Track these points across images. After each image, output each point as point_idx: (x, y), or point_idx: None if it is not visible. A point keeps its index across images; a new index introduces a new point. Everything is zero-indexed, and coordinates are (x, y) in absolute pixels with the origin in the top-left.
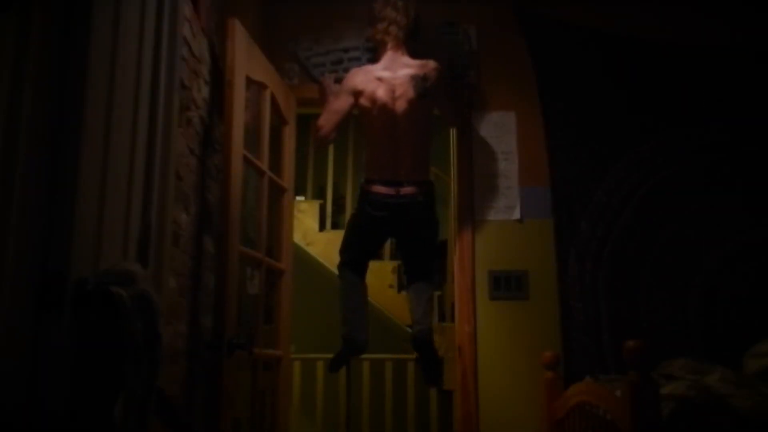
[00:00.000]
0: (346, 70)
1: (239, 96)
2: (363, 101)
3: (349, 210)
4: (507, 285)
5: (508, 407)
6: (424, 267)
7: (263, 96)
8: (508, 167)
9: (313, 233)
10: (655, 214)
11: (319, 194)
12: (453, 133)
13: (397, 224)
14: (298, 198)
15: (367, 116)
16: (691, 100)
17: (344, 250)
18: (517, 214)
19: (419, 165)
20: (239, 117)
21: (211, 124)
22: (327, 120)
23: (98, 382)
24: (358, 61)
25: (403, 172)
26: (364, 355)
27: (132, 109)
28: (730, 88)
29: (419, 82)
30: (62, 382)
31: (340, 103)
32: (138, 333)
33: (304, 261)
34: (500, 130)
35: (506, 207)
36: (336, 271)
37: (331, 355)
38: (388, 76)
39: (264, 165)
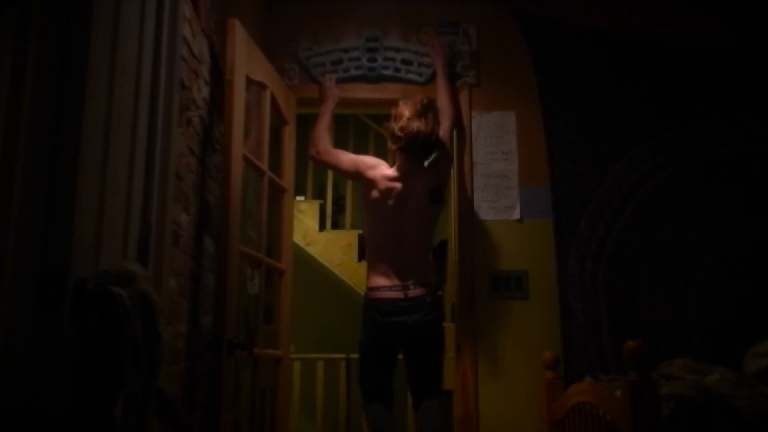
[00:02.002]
0: (346, 70)
1: (239, 96)
2: (371, 202)
3: (349, 210)
4: (507, 285)
5: (508, 407)
6: (434, 376)
7: (263, 96)
8: (508, 167)
9: (313, 233)
10: (655, 214)
11: (319, 194)
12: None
13: (409, 330)
14: (298, 198)
15: (372, 219)
16: (691, 100)
17: (363, 379)
18: (517, 214)
19: (424, 266)
20: (239, 117)
21: (211, 124)
22: (327, 155)
23: (98, 382)
24: (357, 61)
25: (410, 275)
26: None
27: (132, 109)
28: (730, 88)
29: (434, 194)
30: (62, 382)
31: (347, 163)
32: (138, 333)
33: (304, 261)
34: (500, 130)
35: (506, 207)
36: (334, 271)
37: (331, 355)
38: (401, 187)
39: (264, 165)
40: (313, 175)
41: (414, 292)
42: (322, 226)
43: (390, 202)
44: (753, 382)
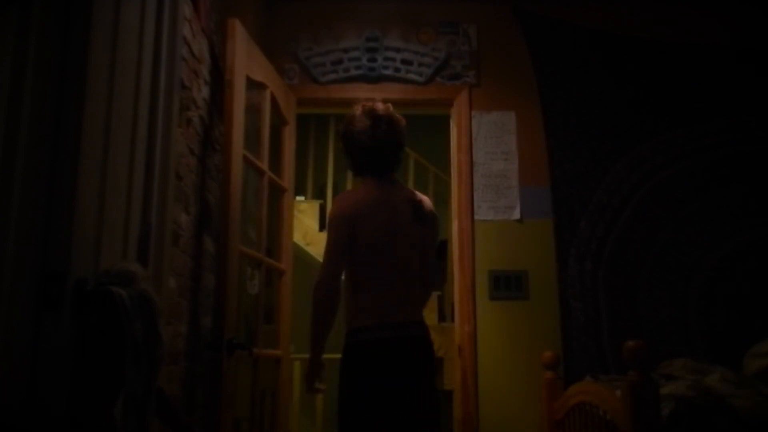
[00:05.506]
0: (346, 70)
1: (239, 96)
2: (361, 241)
3: None
4: (507, 285)
5: (508, 407)
6: (435, 419)
7: (263, 96)
8: (508, 167)
9: (313, 233)
10: (655, 214)
11: (319, 194)
12: (453, 132)
13: (405, 372)
14: (298, 198)
15: (361, 258)
16: (691, 100)
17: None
18: (517, 214)
19: (419, 304)
20: (239, 117)
21: (211, 124)
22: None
23: (98, 382)
24: (357, 61)
25: (404, 313)
26: None
27: (132, 109)
28: (730, 88)
29: (440, 248)
30: (62, 382)
31: (344, 244)
32: (138, 333)
33: (304, 261)
34: (500, 130)
35: (506, 207)
36: None
37: (330, 355)
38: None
39: (264, 165)
40: (313, 175)
41: (410, 330)
42: (322, 226)
43: (382, 238)
44: (753, 382)
